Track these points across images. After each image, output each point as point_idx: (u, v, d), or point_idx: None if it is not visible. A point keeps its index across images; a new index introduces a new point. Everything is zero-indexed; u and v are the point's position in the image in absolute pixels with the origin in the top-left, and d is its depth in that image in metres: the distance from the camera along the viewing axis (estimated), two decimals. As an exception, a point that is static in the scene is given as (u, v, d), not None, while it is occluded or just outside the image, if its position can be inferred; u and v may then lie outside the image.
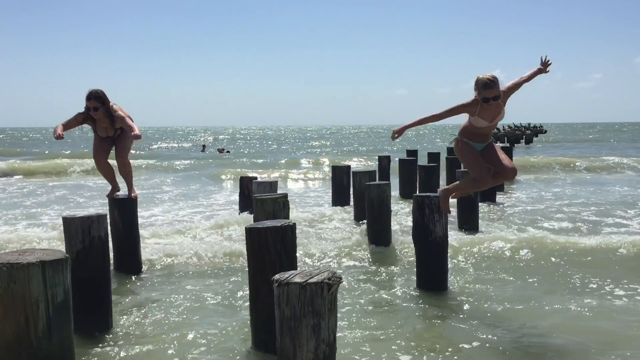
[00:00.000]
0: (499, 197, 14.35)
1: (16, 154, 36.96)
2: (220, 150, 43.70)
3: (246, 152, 46.39)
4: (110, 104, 7.16)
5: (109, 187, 7.91)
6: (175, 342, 5.06)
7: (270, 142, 66.56)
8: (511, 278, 7.10)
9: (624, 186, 17.62)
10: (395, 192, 13.30)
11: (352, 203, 11.92)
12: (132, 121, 7.14)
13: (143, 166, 25.80)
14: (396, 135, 5.74)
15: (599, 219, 11.42)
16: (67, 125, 7.10)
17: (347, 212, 11.87)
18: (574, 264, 7.65)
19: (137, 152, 44.74)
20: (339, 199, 12.87)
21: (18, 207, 13.74)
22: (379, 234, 8.80)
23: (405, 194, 14.06)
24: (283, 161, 30.63)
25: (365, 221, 9.45)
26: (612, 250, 8.19)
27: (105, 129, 7.28)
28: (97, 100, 7.00)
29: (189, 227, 10.08)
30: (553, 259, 7.91)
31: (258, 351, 4.73)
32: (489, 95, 5.55)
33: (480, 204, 11.41)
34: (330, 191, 13.50)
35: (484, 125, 5.72)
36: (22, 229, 10.37)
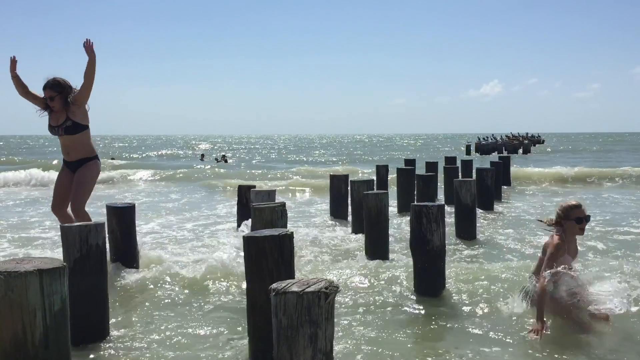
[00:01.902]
0: (497, 206, 14.37)
1: (13, 162, 36.95)
2: (219, 159, 43.76)
3: (246, 160, 46.44)
4: (72, 93, 6.45)
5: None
6: (171, 352, 5.05)
7: (270, 151, 66.60)
8: (510, 284, 7.09)
9: (627, 196, 17.61)
10: (393, 200, 13.32)
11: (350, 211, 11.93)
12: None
13: (142, 178, 25.73)
14: (538, 335, 5.06)
15: (600, 229, 11.43)
16: (31, 93, 6.49)
17: (345, 223, 11.89)
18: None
19: (134, 160, 44.76)
20: (337, 209, 12.87)
21: (19, 217, 13.73)
22: (376, 243, 8.78)
23: (403, 203, 14.04)
24: (282, 171, 30.61)
25: (362, 230, 9.45)
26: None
27: (57, 117, 6.48)
28: (52, 89, 6.36)
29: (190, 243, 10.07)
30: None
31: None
32: (582, 214, 5.39)
33: (478, 210, 11.45)
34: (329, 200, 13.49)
35: (570, 264, 5.38)
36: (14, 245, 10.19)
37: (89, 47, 6.34)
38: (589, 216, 5.53)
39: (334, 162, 42.99)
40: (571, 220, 5.41)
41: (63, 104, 6.36)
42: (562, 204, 5.57)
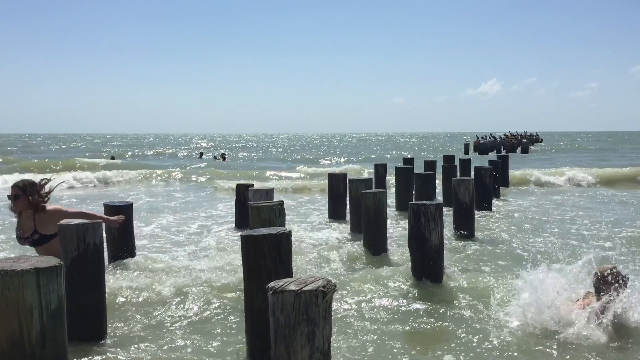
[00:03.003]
0: (495, 205, 14.36)
1: (9, 162, 36.79)
2: (218, 157, 43.80)
3: (245, 159, 46.42)
4: (40, 192, 5.88)
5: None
6: (168, 350, 5.04)
7: (270, 150, 66.53)
8: (510, 282, 7.09)
9: (625, 193, 17.59)
10: (392, 200, 13.30)
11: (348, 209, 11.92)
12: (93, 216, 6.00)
13: (141, 177, 25.62)
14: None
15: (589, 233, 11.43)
16: None
17: (344, 222, 11.88)
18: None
19: (134, 159, 44.70)
20: (335, 207, 12.82)
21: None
22: (375, 241, 8.78)
23: (402, 202, 14.01)
24: (281, 170, 30.60)
25: (361, 229, 9.44)
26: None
27: (24, 228, 5.95)
28: (18, 187, 5.83)
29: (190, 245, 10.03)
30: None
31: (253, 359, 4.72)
32: (621, 275, 5.50)
33: (476, 208, 11.43)
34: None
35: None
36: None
37: (117, 221, 6.27)
38: (626, 276, 5.55)
39: (334, 161, 42.97)
40: (612, 284, 5.40)
41: (27, 205, 5.89)
42: (600, 269, 5.55)
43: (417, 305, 6.25)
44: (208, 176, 25.88)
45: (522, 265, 8.00)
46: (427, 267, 6.80)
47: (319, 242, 9.71)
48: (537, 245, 9.49)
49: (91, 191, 20.35)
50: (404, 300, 6.42)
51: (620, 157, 42.36)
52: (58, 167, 30.38)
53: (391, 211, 12.56)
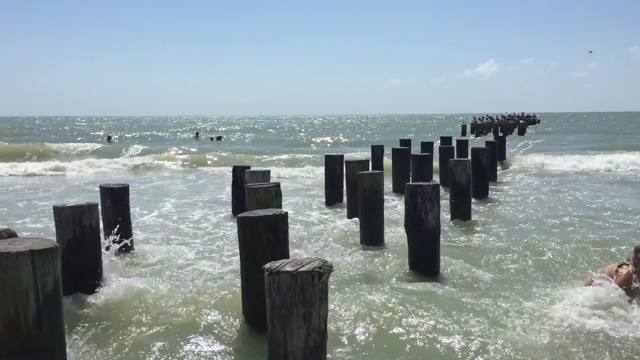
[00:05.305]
0: (492, 187, 14.35)
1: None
2: (214, 138, 43.82)
3: (243, 141, 46.29)
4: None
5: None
6: (166, 331, 5.05)
7: (268, 132, 66.34)
8: (501, 268, 7.12)
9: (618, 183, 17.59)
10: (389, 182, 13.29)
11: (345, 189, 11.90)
12: None
13: (140, 162, 25.40)
14: None
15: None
16: None
17: (341, 204, 11.87)
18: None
19: (132, 141, 44.53)
20: (332, 189, 12.78)
21: (19, 204, 13.66)
22: (371, 223, 8.76)
23: (399, 183, 13.99)
24: (279, 155, 30.50)
25: (358, 210, 9.42)
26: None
27: None
28: None
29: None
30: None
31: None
32: None
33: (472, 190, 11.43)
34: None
35: None
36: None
37: None
38: None
39: (332, 143, 42.87)
40: None
41: None
42: (638, 245, 5.53)
43: (414, 287, 6.26)
44: (208, 160, 25.69)
45: (520, 251, 8.02)
46: (424, 248, 6.80)
47: (315, 224, 9.71)
48: (534, 227, 9.51)
49: (95, 177, 20.33)
50: (400, 282, 6.43)
51: (622, 138, 42.25)
52: (38, 149, 30.14)
53: (388, 192, 12.55)
